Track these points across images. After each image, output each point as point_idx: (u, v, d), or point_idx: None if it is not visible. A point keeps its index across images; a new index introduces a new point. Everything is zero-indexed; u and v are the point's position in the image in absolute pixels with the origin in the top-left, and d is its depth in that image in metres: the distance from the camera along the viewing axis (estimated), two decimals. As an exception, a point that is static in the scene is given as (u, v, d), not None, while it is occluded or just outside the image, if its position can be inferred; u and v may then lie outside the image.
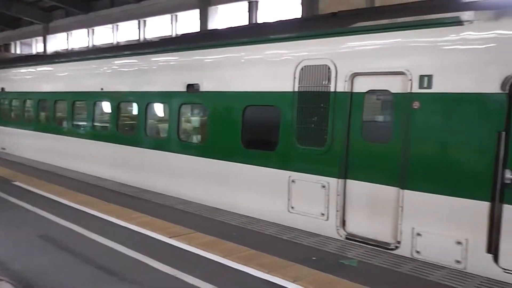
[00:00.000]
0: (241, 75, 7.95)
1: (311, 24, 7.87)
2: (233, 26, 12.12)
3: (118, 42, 29.33)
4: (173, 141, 9.23)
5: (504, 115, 5.12)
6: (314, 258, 5.73)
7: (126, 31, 29.28)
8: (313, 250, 6.06)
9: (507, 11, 5.41)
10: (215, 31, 11.23)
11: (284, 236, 6.60)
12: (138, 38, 27.81)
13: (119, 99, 10.76)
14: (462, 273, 5.34)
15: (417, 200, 5.76)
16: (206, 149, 8.59)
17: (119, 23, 29.75)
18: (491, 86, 5.21)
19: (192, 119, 10.06)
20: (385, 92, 6.23)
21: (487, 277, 5.19)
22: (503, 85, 5.13)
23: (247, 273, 5.25)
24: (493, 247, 5.22)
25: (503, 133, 5.11)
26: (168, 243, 6.25)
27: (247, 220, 7.42)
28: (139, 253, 5.82)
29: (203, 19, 22.57)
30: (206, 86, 8.52)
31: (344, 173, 6.50)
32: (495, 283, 5.05)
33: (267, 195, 7.47)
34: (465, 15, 5.54)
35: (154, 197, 8.95)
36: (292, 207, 7.11)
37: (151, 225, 6.97)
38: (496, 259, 5.21)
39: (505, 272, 5.15)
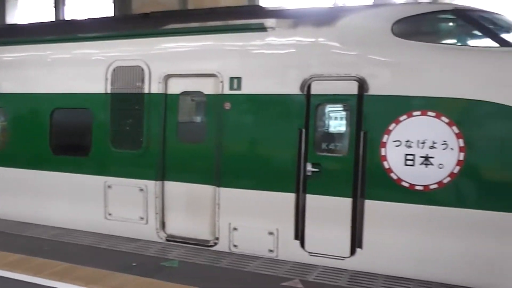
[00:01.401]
0: (48, 76, 7.33)
1: (123, 24, 7.66)
2: (37, 21, 11.11)
3: None
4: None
5: (304, 114, 5.66)
6: (134, 264, 5.61)
7: None
8: (133, 255, 5.94)
9: (304, 20, 6.00)
10: (15, 26, 10.14)
11: (102, 245, 6.33)
12: None
13: None
14: (275, 260, 5.78)
15: (232, 197, 6.04)
16: (7, 158, 7.71)
17: None
18: (292, 88, 5.72)
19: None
20: (198, 93, 6.39)
21: (296, 262, 5.71)
22: (301, 87, 5.67)
23: (62, 289, 4.90)
24: (299, 234, 5.75)
25: (304, 130, 5.66)
26: (-37, 269, 5.47)
27: (61, 232, 6.91)
28: None
29: (0, 12, 20.26)
30: (6, 87, 7.66)
31: (161, 175, 6.48)
32: (302, 266, 5.59)
33: (81, 203, 7.04)
34: (269, 22, 5.98)
35: None
36: (110, 214, 6.83)
37: None
38: (302, 244, 5.75)
39: (310, 255, 5.71)
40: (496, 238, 4.91)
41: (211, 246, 6.23)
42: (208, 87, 6.22)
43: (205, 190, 6.23)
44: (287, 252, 5.81)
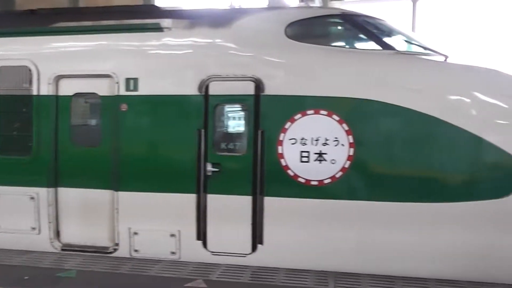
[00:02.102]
0: None
1: (7, 21, 7.13)
2: None
3: None
4: None
5: (202, 114, 5.69)
6: (26, 277, 5.28)
7: None
8: (25, 269, 5.58)
9: (200, 21, 6.02)
10: None
11: (-13, 260, 5.87)
12: None
13: None
14: (178, 262, 5.76)
15: (131, 200, 5.90)
16: None
17: None
18: (190, 88, 5.72)
19: None
20: (93, 95, 6.15)
21: (199, 262, 5.73)
22: (199, 88, 5.69)
23: None
24: (201, 234, 5.76)
25: (203, 131, 5.69)
26: None
27: None
28: None
29: None
30: None
31: (54, 182, 6.15)
32: (205, 266, 5.62)
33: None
34: (165, 22, 5.92)
35: None
36: (-4, 226, 6.34)
37: None
38: (205, 244, 5.78)
39: (213, 254, 5.76)
40: (384, 226, 5.32)
41: (110, 252, 6.03)
42: (103, 88, 6.01)
43: (102, 195, 6.01)
44: (190, 253, 5.80)
